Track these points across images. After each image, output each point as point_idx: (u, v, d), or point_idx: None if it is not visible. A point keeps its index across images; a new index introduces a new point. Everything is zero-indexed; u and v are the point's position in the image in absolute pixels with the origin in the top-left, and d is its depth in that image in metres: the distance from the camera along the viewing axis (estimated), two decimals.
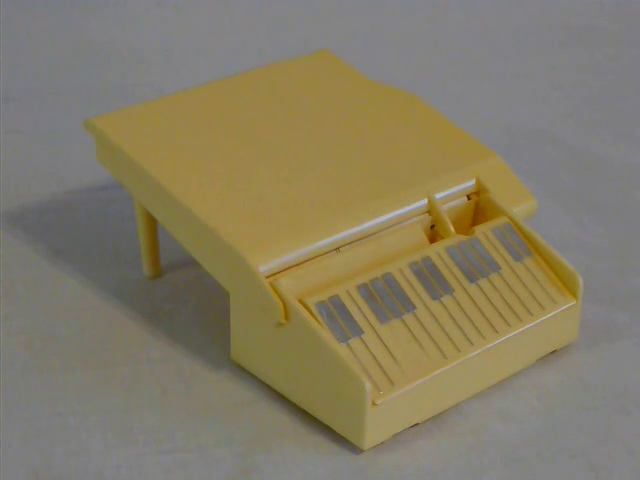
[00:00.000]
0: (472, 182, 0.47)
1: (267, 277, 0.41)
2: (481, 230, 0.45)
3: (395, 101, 0.51)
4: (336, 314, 0.41)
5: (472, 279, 0.43)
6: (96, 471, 0.39)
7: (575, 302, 0.45)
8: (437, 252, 0.44)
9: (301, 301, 0.41)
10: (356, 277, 0.42)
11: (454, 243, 0.44)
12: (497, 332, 0.42)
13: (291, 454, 0.40)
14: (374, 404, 0.39)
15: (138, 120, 0.48)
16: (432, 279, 0.43)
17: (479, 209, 0.47)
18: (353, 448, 0.40)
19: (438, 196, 0.46)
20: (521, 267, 0.44)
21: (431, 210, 0.45)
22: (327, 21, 0.76)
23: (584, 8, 0.79)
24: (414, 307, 0.42)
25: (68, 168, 0.57)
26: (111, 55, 0.70)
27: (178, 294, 0.49)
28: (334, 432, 0.41)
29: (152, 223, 0.48)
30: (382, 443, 0.41)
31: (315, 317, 0.40)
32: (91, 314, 0.47)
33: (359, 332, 0.41)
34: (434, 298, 0.42)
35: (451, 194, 0.46)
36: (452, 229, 0.45)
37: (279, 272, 0.41)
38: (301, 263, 0.42)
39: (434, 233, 0.46)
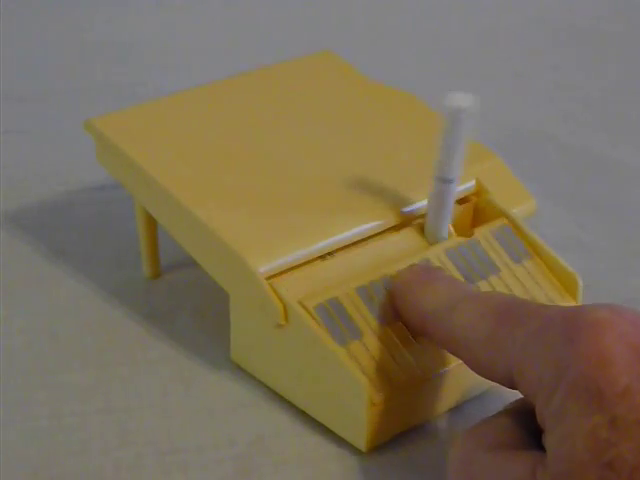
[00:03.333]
0: (472, 183, 0.47)
1: (267, 278, 0.41)
2: (480, 232, 0.45)
3: (397, 102, 0.51)
4: (335, 316, 0.41)
5: (471, 281, 0.43)
6: (96, 471, 0.39)
7: (574, 303, 0.45)
8: (436, 254, 0.44)
9: (300, 303, 0.41)
10: (355, 279, 0.42)
11: (453, 245, 0.44)
12: None
13: (291, 455, 0.40)
14: (374, 405, 0.39)
15: (138, 120, 0.48)
16: None
17: (479, 210, 0.47)
18: (353, 449, 0.40)
19: None
20: (520, 269, 0.44)
21: None
22: (330, 21, 0.76)
23: (585, 8, 0.79)
24: None
25: (68, 168, 0.57)
26: (111, 55, 0.70)
27: (178, 294, 0.49)
28: (334, 433, 0.41)
29: (152, 223, 0.48)
30: (382, 444, 0.41)
31: (314, 319, 0.40)
32: (91, 314, 0.47)
33: (359, 334, 0.40)
34: None
35: None
36: (452, 230, 0.45)
37: (279, 274, 0.41)
38: (301, 265, 0.42)
39: None
